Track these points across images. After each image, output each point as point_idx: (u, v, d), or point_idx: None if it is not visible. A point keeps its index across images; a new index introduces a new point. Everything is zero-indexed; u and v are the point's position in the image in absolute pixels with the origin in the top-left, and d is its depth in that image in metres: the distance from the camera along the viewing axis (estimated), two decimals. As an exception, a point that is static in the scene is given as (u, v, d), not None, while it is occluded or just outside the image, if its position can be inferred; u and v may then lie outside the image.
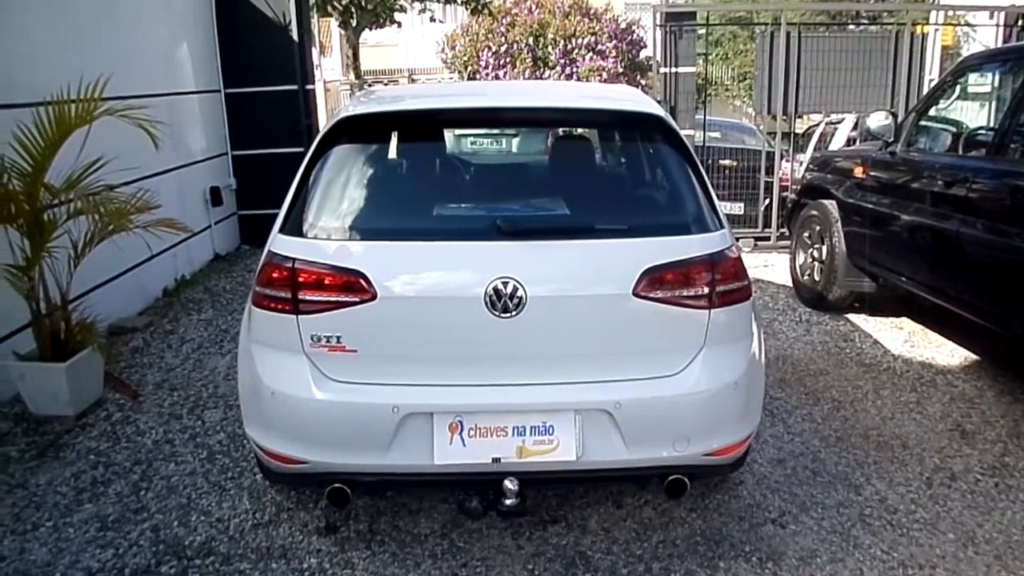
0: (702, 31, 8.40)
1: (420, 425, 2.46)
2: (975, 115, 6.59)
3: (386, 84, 20.15)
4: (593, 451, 2.48)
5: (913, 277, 4.58)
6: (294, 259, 2.49)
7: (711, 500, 3.12)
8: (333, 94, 18.12)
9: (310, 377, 2.50)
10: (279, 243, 2.57)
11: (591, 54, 13.97)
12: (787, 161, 8.21)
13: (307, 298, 2.47)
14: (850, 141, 8.99)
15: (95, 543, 2.89)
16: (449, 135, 4.24)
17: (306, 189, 2.66)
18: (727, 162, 8.41)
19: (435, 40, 16.48)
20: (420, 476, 2.60)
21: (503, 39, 14.22)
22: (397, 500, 3.10)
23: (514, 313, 2.41)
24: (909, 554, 2.80)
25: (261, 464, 2.82)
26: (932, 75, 9.25)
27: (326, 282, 2.46)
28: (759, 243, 7.69)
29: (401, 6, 17.43)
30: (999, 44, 8.89)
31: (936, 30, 9.90)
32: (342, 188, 2.68)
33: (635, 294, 2.46)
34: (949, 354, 4.74)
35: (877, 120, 4.91)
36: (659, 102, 3.66)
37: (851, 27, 12.58)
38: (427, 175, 3.07)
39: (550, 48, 14.08)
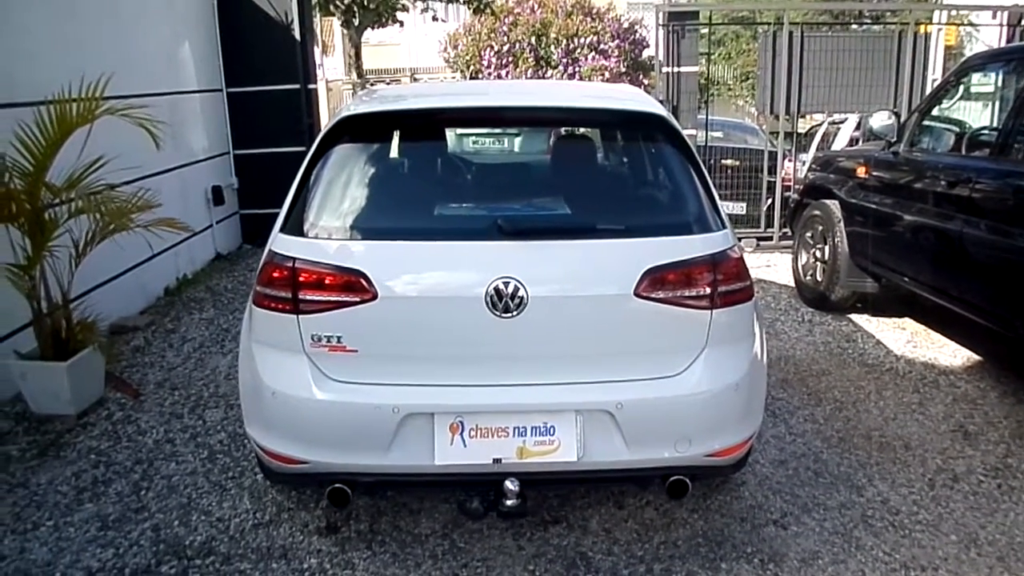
0: (705, 30, 8.38)
1: (421, 425, 2.45)
2: (978, 115, 6.59)
3: (388, 83, 20.16)
4: (594, 452, 2.48)
5: (916, 277, 4.57)
6: (295, 259, 2.48)
7: (713, 501, 3.12)
8: (336, 93, 18.12)
9: (310, 377, 2.49)
10: (280, 242, 2.56)
11: (593, 54, 13.96)
12: (789, 161, 8.19)
13: (308, 298, 2.47)
14: (853, 141, 8.97)
15: (95, 542, 2.89)
16: (451, 135, 4.24)
17: (307, 188, 2.65)
18: (729, 162, 8.40)
19: (437, 39, 16.47)
20: (421, 476, 2.59)
21: (505, 38, 14.22)
22: (398, 500, 3.09)
23: (515, 313, 2.41)
24: (911, 556, 2.79)
25: (262, 464, 2.82)
26: (935, 75, 9.24)
27: (327, 282, 2.46)
28: (761, 243, 7.68)
29: (403, 5, 17.42)
30: (1002, 44, 8.87)
31: (939, 30, 9.89)
32: (343, 188, 2.68)
33: (636, 294, 2.45)
34: (952, 355, 4.72)
35: (880, 120, 4.89)
36: (661, 102, 3.64)
37: (854, 27, 12.56)
38: (428, 175, 3.06)
39: (552, 48, 14.07)
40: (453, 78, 15.86)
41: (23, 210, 3.70)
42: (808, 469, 3.38)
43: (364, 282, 2.43)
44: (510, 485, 2.47)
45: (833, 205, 5.39)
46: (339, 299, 2.45)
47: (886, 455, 3.50)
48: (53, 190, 3.83)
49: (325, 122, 3.33)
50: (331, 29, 22.15)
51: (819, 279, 5.56)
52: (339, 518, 3.00)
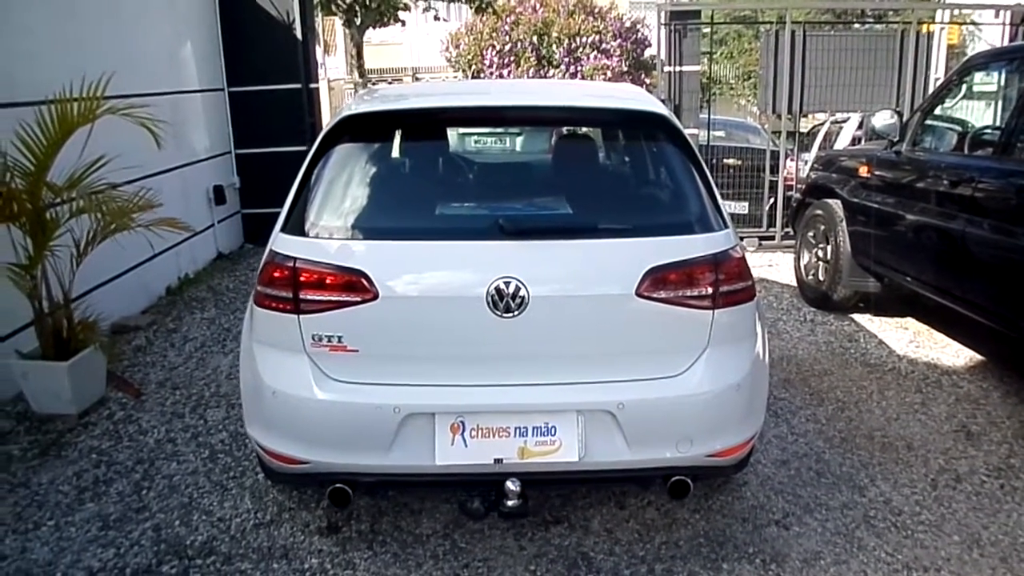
0: (707, 29, 8.36)
1: (422, 425, 2.45)
2: (981, 114, 6.57)
3: (390, 83, 20.16)
4: (596, 452, 2.47)
5: (918, 277, 4.56)
6: (295, 258, 2.48)
7: (714, 501, 3.11)
8: (337, 92, 18.13)
9: (311, 377, 2.49)
10: (281, 242, 2.56)
11: (595, 53, 13.96)
12: (792, 160, 8.18)
13: (308, 297, 2.46)
14: (855, 140, 8.96)
15: (96, 542, 2.89)
16: (452, 134, 4.23)
17: (308, 188, 2.65)
18: (731, 161, 8.38)
19: (439, 39, 16.47)
20: (421, 477, 2.59)
21: (507, 38, 14.22)
22: (399, 500, 3.09)
23: (516, 313, 2.40)
24: (914, 556, 2.78)
25: (263, 464, 2.81)
26: (938, 74, 9.23)
27: (327, 282, 2.45)
28: (763, 242, 7.67)
29: (405, 5, 17.40)
30: (1005, 43, 8.86)
31: (942, 29, 9.87)
32: (344, 187, 2.67)
33: (638, 294, 2.44)
34: (954, 354, 4.71)
35: (882, 119, 4.88)
36: (663, 101, 3.64)
37: (856, 26, 12.54)
38: (429, 174, 3.06)
39: (554, 47, 14.07)
40: (455, 77, 15.86)
41: (24, 209, 3.70)
42: (810, 469, 3.37)
43: (365, 282, 2.42)
44: (511, 485, 2.46)
45: (835, 204, 5.38)
46: (340, 299, 2.44)
47: (888, 455, 3.49)
48: (54, 190, 3.83)
49: (327, 121, 3.32)
50: (333, 28, 22.17)
51: (821, 279, 5.55)
52: (340, 518, 3.00)
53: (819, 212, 5.58)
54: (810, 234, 5.72)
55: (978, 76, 5.53)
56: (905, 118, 5.00)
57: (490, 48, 14.26)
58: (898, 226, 4.64)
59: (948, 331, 5.00)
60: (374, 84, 16.42)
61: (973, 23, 12.67)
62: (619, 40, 14.19)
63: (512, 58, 14.15)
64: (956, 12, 9.66)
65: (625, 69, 14.08)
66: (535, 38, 14.12)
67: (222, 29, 7.17)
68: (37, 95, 3.85)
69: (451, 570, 2.73)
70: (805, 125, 10.47)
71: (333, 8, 16.55)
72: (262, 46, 7.24)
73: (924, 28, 7.83)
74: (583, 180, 2.98)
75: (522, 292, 2.39)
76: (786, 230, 7.36)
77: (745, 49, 24.05)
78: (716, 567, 2.73)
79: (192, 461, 3.47)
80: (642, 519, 3.00)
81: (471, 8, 15.56)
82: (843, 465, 3.40)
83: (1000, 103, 5.85)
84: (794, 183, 7.69)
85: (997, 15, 9.21)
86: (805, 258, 5.81)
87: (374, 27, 18.07)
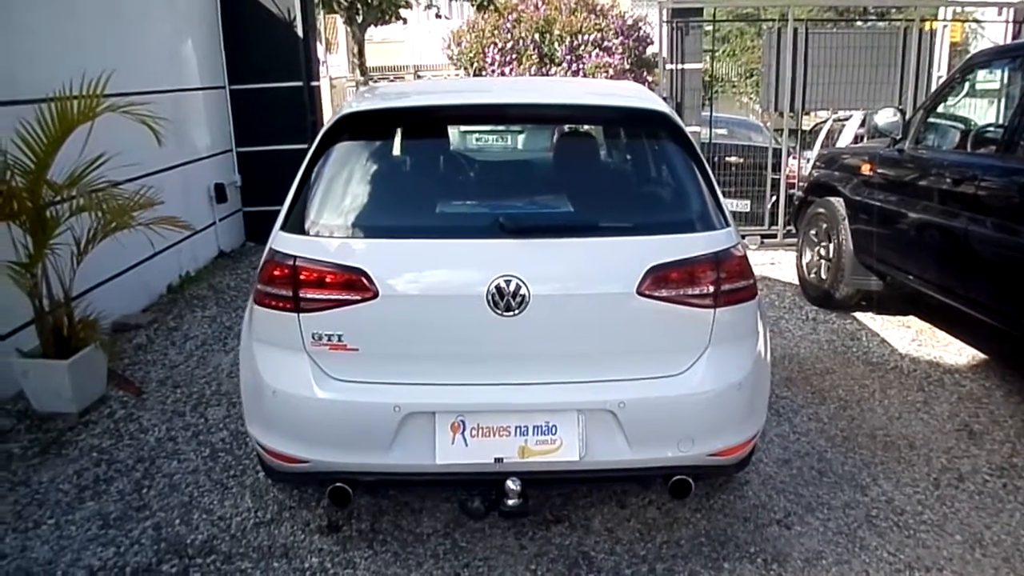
0: (709, 27, 8.35)
1: (422, 424, 2.44)
2: (984, 112, 6.55)
3: (392, 80, 20.14)
4: (596, 451, 2.46)
5: (921, 275, 4.55)
6: (295, 257, 2.47)
7: (716, 500, 3.10)
8: (339, 90, 18.13)
9: (311, 376, 2.48)
10: (280, 241, 2.55)
11: (597, 50, 13.93)
12: (794, 158, 8.17)
13: (308, 296, 2.46)
14: (857, 138, 8.94)
15: (97, 541, 2.88)
16: (453, 132, 4.22)
17: (308, 186, 2.64)
18: (734, 159, 8.37)
19: (441, 36, 16.44)
20: (422, 476, 2.58)
21: (509, 35, 14.19)
22: (399, 499, 3.08)
23: (517, 312, 2.39)
24: (916, 556, 2.77)
25: (263, 463, 2.81)
26: (940, 72, 9.22)
27: (327, 280, 2.45)
28: (765, 240, 7.65)
29: (407, 2, 17.40)
30: (1008, 40, 8.83)
31: (944, 26, 9.87)
32: (344, 185, 2.66)
33: (639, 293, 2.44)
34: (957, 353, 4.70)
35: (885, 117, 4.87)
36: (665, 99, 3.63)
37: (859, 23, 12.52)
38: (430, 172, 3.05)
39: (556, 44, 14.04)
40: (457, 75, 15.84)
41: (24, 208, 3.70)
42: (812, 468, 3.36)
43: (365, 280, 2.42)
44: (512, 485, 2.45)
45: (837, 202, 5.37)
46: (340, 297, 2.44)
47: (891, 454, 3.48)
48: (55, 188, 3.83)
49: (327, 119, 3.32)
50: (335, 26, 22.18)
51: (823, 277, 5.54)
52: (340, 517, 2.99)
53: (821, 210, 5.57)
54: (812, 232, 5.70)
55: (981, 74, 5.52)
56: (908, 116, 4.99)
57: (492, 46, 14.23)
58: (900, 224, 4.63)
59: (950, 329, 4.99)
60: (376, 82, 16.41)
61: (976, 21, 12.64)
62: (621, 38, 14.15)
63: (514, 56, 14.12)
64: (959, 10, 9.63)
65: (627, 67, 14.04)
66: (537, 36, 14.09)
67: (223, 27, 7.16)
68: (38, 94, 3.84)
69: (451, 569, 2.73)
70: (807, 123, 10.44)
71: (335, 6, 16.54)
72: (263, 44, 7.23)
73: (927, 26, 7.81)
74: (584, 178, 2.97)
75: (523, 291, 2.38)
76: (788, 228, 7.35)
77: (747, 47, 24.03)
78: (717, 566, 2.72)
79: (193, 460, 3.46)
80: (643, 518, 2.99)
81: (473, 6, 15.53)
82: (845, 464, 3.39)
83: (1003, 101, 5.83)
84: (796, 181, 7.67)
85: (1000, 13, 9.20)
86: (807, 256, 5.79)
87: (376, 25, 18.08)
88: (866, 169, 5.13)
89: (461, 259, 2.52)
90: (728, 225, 2.61)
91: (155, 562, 2.77)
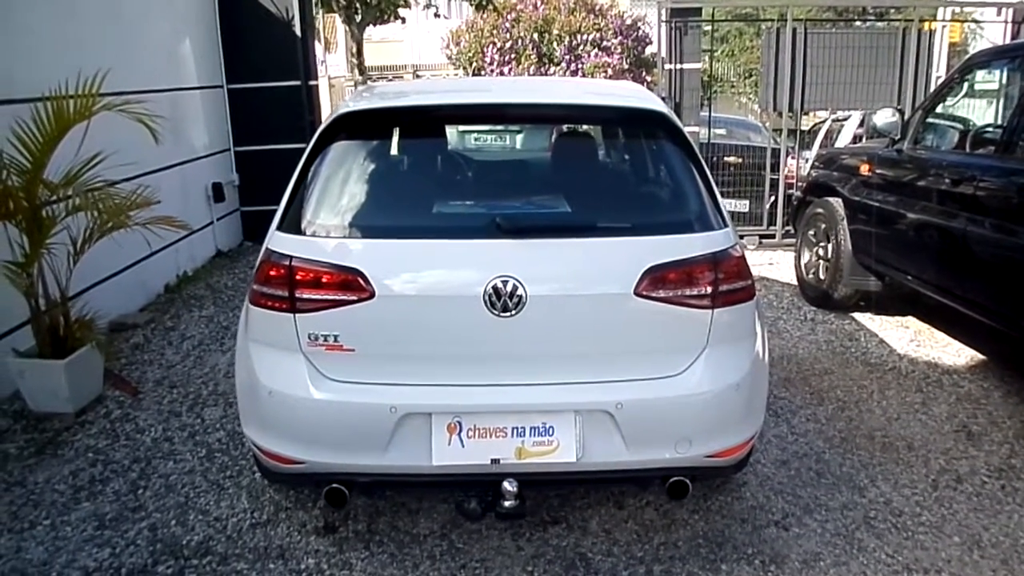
0: (708, 27, 8.35)
1: (418, 425, 2.43)
2: (983, 112, 6.55)
3: (391, 79, 20.11)
4: (594, 452, 2.45)
5: (919, 276, 4.54)
6: (291, 257, 2.46)
7: (713, 502, 3.09)
8: (338, 90, 18.11)
9: (307, 376, 2.47)
10: (276, 240, 2.54)
11: (596, 50, 13.91)
12: (793, 158, 8.15)
13: (304, 296, 2.44)
14: (856, 138, 8.94)
15: (92, 542, 2.87)
16: (451, 132, 4.21)
17: (304, 186, 2.63)
18: (732, 159, 8.36)
19: (440, 36, 16.43)
20: (418, 477, 2.57)
21: (508, 35, 14.18)
22: (396, 500, 3.07)
23: (514, 312, 2.38)
24: (914, 558, 2.77)
25: (259, 463, 2.80)
26: (939, 72, 9.21)
27: (323, 280, 2.44)
28: (764, 241, 7.65)
29: (405, 2, 17.36)
30: (1007, 41, 8.83)
31: (943, 27, 9.86)
32: (340, 185, 2.66)
33: (637, 293, 2.43)
34: (955, 354, 4.69)
35: (884, 117, 4.86)
36: (664, 99, 3.62)
37: (858, 23, 12.50)
38: (427, 172, 3.04)
39: (555, 44, 14.03)
40: (456, 75, 15.83)
41: (20, 207, 3.68)
42: (810, 469, 3.35)
43: (361, 281, 2.41)
44: (508, 486, 2.45)
45: (836, 203, 5.36)
46: (336, 298, 2.43)
47: (889, 455, 3.47)
48: (51, 187, 3.81)
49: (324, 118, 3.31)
50: (334, 26, 22.14)
51: (822, 277, 5.53)
52: (337, 518, 2.98)
53: (820, 210, 5.56)
54: (811, 232, 5.70)
55: (980, 74, 5.51)
56: (906, 116, 4.98)
57: (491, 45, 14.21)
58: (899, 225, 4.62)
59: (949, 330, 4.98)
60: (374, 81, 16.38)
61: (975, 21, 12.64)
62: (620, 37, 14.14)
63: (513, 55, 14.11)
64: (958, 10, 9.63)
65: (626, 67, 14.03)
66: (536, 35, 14.07)
67: (221, 26, 7.15)
68: (35, 93, 3.83)
69: (448, 570, 2.72)
70: (806, 123, 10.44)
71: (333, 5, 16.51)
72: (261, 43, 7.22)
73: (926, 26, 7.81)
74: (582, 178, 2.96)
75: (519, 291, 2.37)
76: (787, 228, 7.34)
77: (746, 47, 24.03)
78: (715, 568, 2.71)
79: (189, 460, 3.45)
80: (641, 520, 2.99)
81: (472, 5, 15.52)
82: (843, 465, 3.38)
83: (1002, 101, 5.82)
84: (795, 181, 7.66)
85: (999, 13, 9.19)
86: (806, 257, 5.79)
87: (374, 24, 18.03)
88: (865, 169, 5.13)
89: (458, 259, 2.51)
90: (726, 225, 2.60)
91: (151, 563, 2.75)
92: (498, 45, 14.16)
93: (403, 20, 18.29)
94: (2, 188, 3.64)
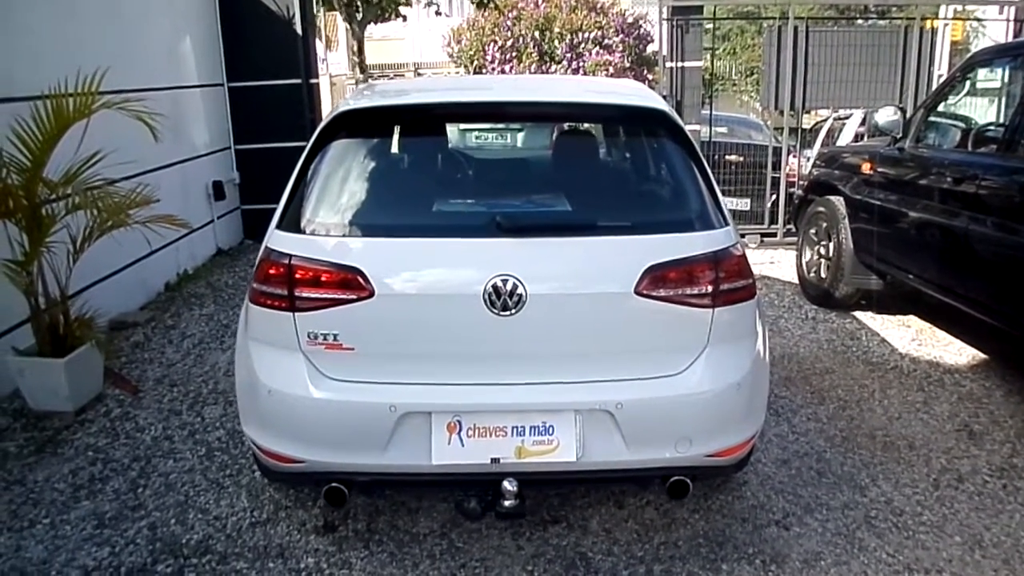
0: (709, 25, 8.33)
1: (418, 424, 2.43)
2: (984, 111, 6.54)
3: (392, 77, 20.10)
4: (594, 452, 2.45)
5: (921, 275, 4.53)
6: (291, 255, 2.45)
7: (714, 501, 3.09)
8: (339, 88, 18.09)
9: (307, 375, 2.47)
10: (276, 239, 2.53)
11: (597, 48, 13.88)
12: (794, 157, 8.14)
13: (304, 295, 2.44)
14: (858, 137, 8.92)
15: (92, 541, 2.87)
16: (452, 130, 4.20)
17: (304, 184, 2.62)
18: (734, 158, 8.35)
19: (441, 34, 16.41)
20: (418, 476, 2.56)
21: (509, 33, 14.15)
22: (396, 499, 3.07)
23: (514, 311, 2.38)
24: (915, 557, 2.76)
25: (259, 462, 2.79)
26: (941, 70, 9.19)
27: (323, 279, 2.43)
28: (765, 239, 7.64)
29: (407, 0, 17.37)
30: (1009, 39, 8.81)
31: (945, 25, 9.83)
32: (340, 183, 2.65)
33: (637, 292, 2.42)
34: (957, 353, 4.68)
35: (885, 116, 4.85)
36: (665, 97, 3.62)
37: (859, 22, 12.48)
38: (427, 170, 3.03)
39: (556, 42, 14.00)
40: (457, 73, 15.82)
41: (20, 206, 3.68)
42: (811, 469, 3.34)
43: (361, 279, 2.40)
44: (508, 485, 2.44)
45: (838, 201, 5.35)
46: (336, 296, 2.42)
47: (890, 455, 3.46)
48: (50, 185, 3.81)
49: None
50: (335, 24, 22.14)
51: (823, 276, 5.52)
52: (336, 517, 2.98)
53: (821, 209, 5.55)
54: (812, 231, 5.69)
55: (982, 73, 5.50)
56: (908, 115, 4.97)
57: (492, 44, 14.19)
58: (901, 223, 4.61)
59: (951, 329, 4.97)
60: (375, 79, 16.37)
61: (977, 19, 12.61)
62: (621, 36, 14.11)
63: (514, 54, 14.08)
64: (960, 8, 9.60)
65: (627, 65, 13.99)
66: (537, 33, 14.04)
67: (221, 24, 7.14)
68: (35, 91, 3.82)
69: (448, 570, 2.71)
70: (808, 121, 10.41)
71: (334, 3, 16.51)
72: (262, 41, 7.21)
73: (928, 24, 7.78)
74: (583, 177, 2.95)
75: (519, 290, 2.37)
76: (788, 227, 7.33)
77: (748, 45, 24.01)
78: (715, 568, 2.71)
79: (189, 459, 3.45)
80: (641, 519, 2.98)
81: (473, 3, 15.50)
82: (844, 464, 3.38)
83: (1004, 100, 5.81)
84: (796, 180, 7.65)
85: (1001, 11, 9.18)
86: (807, 255, 5.78)
87: (375, 22, 18.05)
88: (866, 168, 5.11)
89: (458, 258, 2.50)
90: (727, 224, 2.59)
91: (150, 562, 2.75)
92: (499, 43, 14.14)
93: (404, 18, 18.31)
94: (2, 186, 3.64)
